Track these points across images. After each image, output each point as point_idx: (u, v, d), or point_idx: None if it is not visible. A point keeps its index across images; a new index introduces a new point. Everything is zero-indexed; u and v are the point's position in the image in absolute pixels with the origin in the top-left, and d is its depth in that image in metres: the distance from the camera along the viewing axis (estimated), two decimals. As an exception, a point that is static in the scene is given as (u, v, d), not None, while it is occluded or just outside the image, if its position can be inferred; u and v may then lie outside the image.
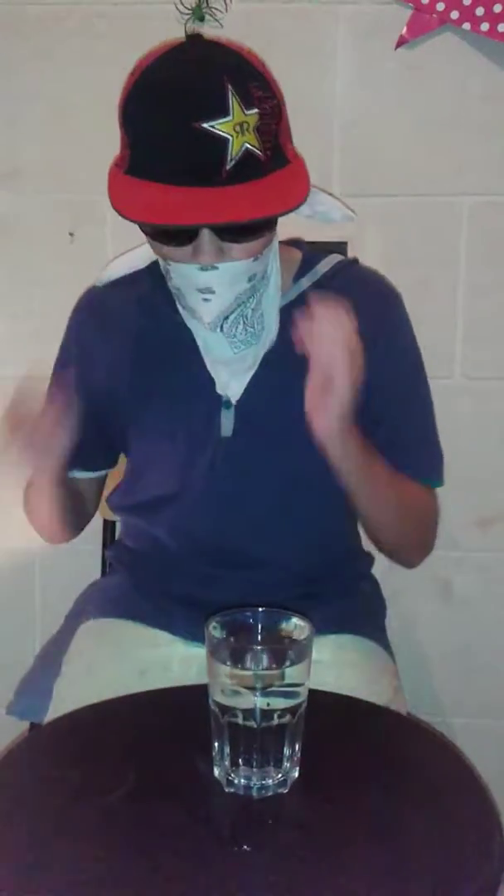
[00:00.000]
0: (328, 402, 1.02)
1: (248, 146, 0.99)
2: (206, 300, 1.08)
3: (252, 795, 0.87)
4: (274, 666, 0.87)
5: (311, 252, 1.24)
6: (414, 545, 1.28)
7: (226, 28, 1.46)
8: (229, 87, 0.98)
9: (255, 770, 0.86)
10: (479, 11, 1.42)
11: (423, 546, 1.29)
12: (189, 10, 1.45)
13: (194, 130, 0.97)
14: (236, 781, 0.87)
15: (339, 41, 1.49)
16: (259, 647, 0.89)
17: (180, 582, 1.26)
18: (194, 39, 1.04)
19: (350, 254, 1.42)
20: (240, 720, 0.85)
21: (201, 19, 1.45)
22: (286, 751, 0.87)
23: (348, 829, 0.84)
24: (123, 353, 1.22)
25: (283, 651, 0.88)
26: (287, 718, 0.85)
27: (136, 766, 0.92)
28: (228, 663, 0.86)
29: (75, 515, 1.30)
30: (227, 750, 0.87)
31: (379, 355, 1.11)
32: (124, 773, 0.90)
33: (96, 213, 1.54)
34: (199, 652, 1.20)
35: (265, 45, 1.47)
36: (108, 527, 1.54)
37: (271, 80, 1.05)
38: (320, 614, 1.21)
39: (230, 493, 1.20)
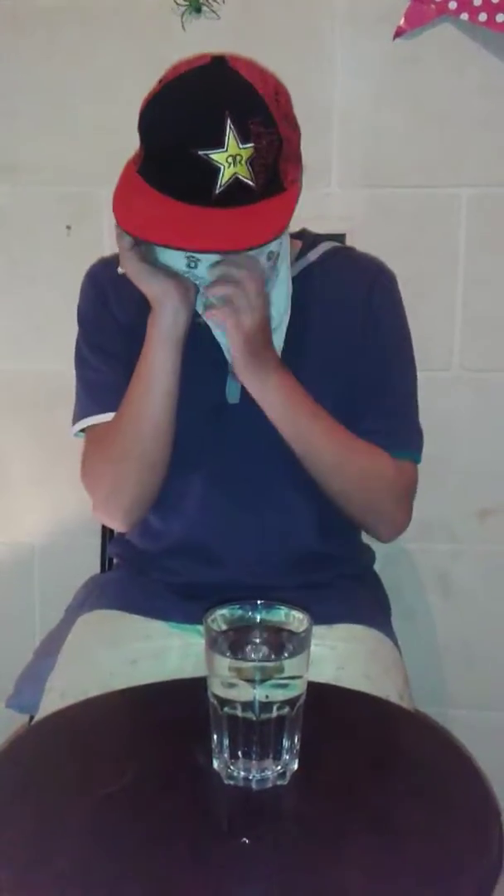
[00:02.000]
0: (233, 335, 1.12)
1: (239, 176, 1.05)
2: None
3: (251, 788, 0.87)
4: (272, 658, 0.87)
5: (314, 238, 1.31)
6: (369, 511, 1.27)
7: (223, 19, 1.45)
8: (228, 122, 1.04)
9: (254, 762, 0.86)
10: (477, 2, 1.42)
11: (382, 514, 1.28)
12: (186, 2, 1.44)
13: (191, 155, 1.04)
14: (235, 774, 0.87)
15: (337, 32, 1.48)
16: (257, 639, 0.90)
17: (183, 565, 1.27)
18: (217, 63, 1.08)
19: (349, 245, 1.43)
20: (239, 712, 0.85)
21: (198, 10, 1.45)
22: (285, 743, 0.87)
23: (347, 821, 0.84)
24: (134, 319, 1.23)
25: (282, 643, 0.88)
26: (286, 710, 0.85)
27: (135, 759, 0.92)
28: (227, 655, 0.86)
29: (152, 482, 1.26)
30: (226, 742, 0.87)
31: (361, 320, 1.25)
32: (123, 766, 0.91)
33: (94, 207, 1.54)
34: (196, 643, 1.21)
35: (262, 35, 1.48)
36: (107, 520, 1.53)
37: (279, 113, 1.08)
38: (327, 604, 1.23)
39: (238, 459, 1.23)
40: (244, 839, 0.82)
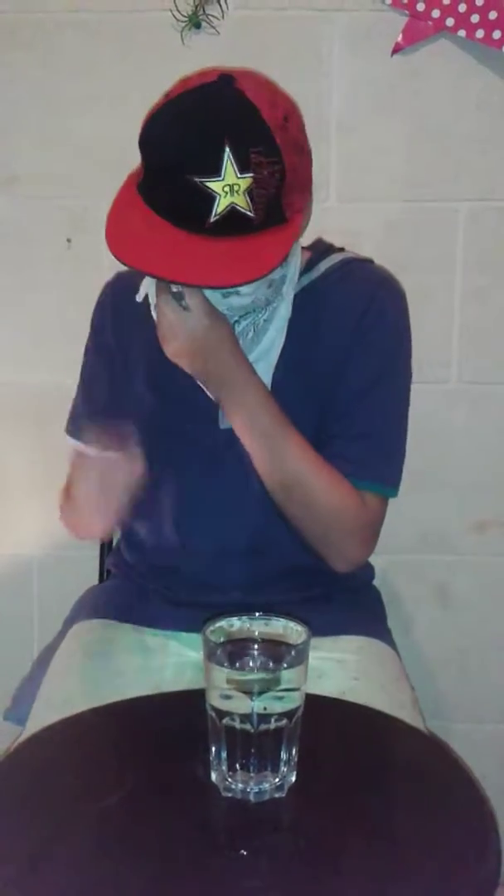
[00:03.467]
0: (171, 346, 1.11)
1: (236, 206, 1.02)
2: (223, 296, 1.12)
3: (249, 800, 0.86)
4: (270, 669, 0.87)
5: (325, 250, 1.26)
6: (318, 540, 1.18)
7: (222, 35, 1.46)
8: (227, 150, 1.00)
9: (252, 775, 0.86)
10: (475, 18, 1.43)
11: (332, 546, 1.19)
12: (185, 17, 1.45)
13: (186, 181, 1.01)
14: (233, 786, 0.87)
15: (335, 48, 1.49)
16: (255, 651, 0.90)
17: (179, 584, 1.27)
18: (223, 82, 1.04)
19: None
20: (237, 724, 0.85)
21: (197, 26, 1.46)
22: (283, 755, 0.87)
23: (345, 833, 0.85)
24: (135, 344, 1.25)
25: (280, 654, 0.88)
26: (284, 722, 0.85)
27: (133, 770, 0.92)
28: (225, 666, 0.86)
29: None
30: (224, 754, 0.87)
31: (351, 341, 1.18)
32: (122, 778, 0.91)
33: (93, 220, 1.55)
34: (188, 655, 1.21)
35: (261, 52, 1.49)
36: (106, 532, 1.53)
37: (286, 140, 1.04)
38: (329, 616, 1.23)
39: (231, 482, 1.20)
40: (242, 851, 0.82)
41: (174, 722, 1.02)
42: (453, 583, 1.66)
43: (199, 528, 1.26)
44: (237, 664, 0.87)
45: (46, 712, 1.12)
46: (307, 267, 1.23)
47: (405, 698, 1.16)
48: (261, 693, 0.84)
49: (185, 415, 1.22)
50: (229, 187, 1.01)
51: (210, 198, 1.01)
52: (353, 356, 1.18)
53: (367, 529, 1.20)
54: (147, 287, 1.18)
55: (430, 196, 1.53)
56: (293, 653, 0.88)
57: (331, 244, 1.29)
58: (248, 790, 0.86)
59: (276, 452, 1.14)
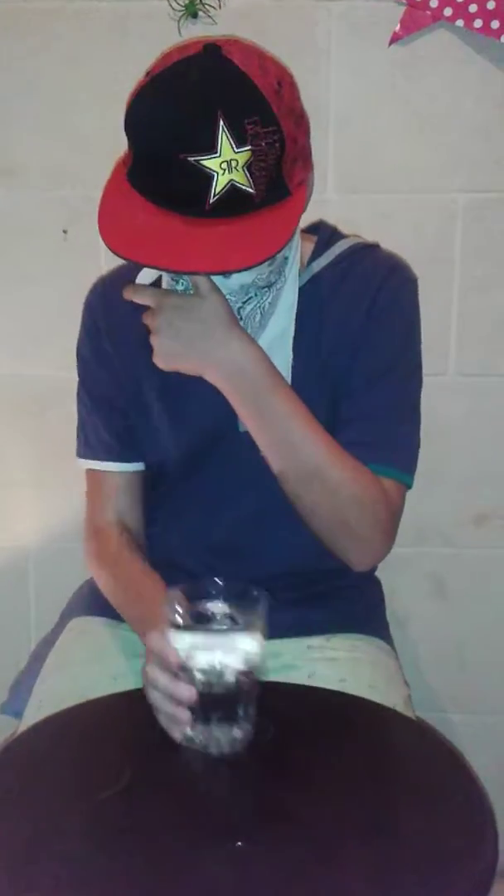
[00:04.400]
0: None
1: (235, 183, 0.95)
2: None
3: (210, 752, 0.90)
4: (230, 626, 0.93)
5: (330, 235, 1.23)
6: (341, 532, 1.11)
7: (219, 25, 1.46)
8: (221, 123, 0.93)
9: (212, 727, 0.90)
10: (473, 8, 1.42)
11: (357, 538, 1.12)
12: (182, 6, 1.45)
13: (179, 161, 0.94)
14: (195, 738, 0.90)
15: (333, 38, 1.49)
16: (213, 612, 0.94)
17: (177, 582, 1.25)
18: (209, 52, 0.97)
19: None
20: (199, 677, 0.90)
21: (194, 16, 1.45)
22: (240, 711, 0.90)
23: (342, 824, 0.85)
24: (134, 347, 1.18)
25: (237, 618, 0.93)
26: (241, 679, 0.90)
27: (130, 762, 0.92)
28: (185, 623, 0.91)
29: None
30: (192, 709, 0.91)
31: (363, 328, 1.14)
32: (119, 770, 0.90)
33: (90, 211, 1.53)
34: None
35: (258, 41, 1.47)
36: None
37: (282, 107, 0.97)
38: (324, 613, 1.23)
39: (240, 484, 1.18)
40: (239, 843, 0.82)
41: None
42: (451, 576, 1.66)
43: (201, 528, 1.24)
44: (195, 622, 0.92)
45: (39, 713, 1.11)
46: (315, 253, 1.19)
47: (396, 698, 1.14)
48: (217, 648, 0.89)
49: (201, 420, 1.18)
50: (227, 163, 0.93)
51: (207, 177, 0.94)
52: (365, 343, 1.14)
53: (390, 519, 1.14)
54: (143, 280, 1.14)
55: (429, 187, 1.52)
56: (249, 615, 0.92)
57: (335, 228, 1.25)
58: (207, 742, 0.91)
59: (291, 442, 1.08)
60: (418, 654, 1.67)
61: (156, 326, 1.04)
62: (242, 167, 0.94)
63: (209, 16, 1.45)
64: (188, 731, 0.91)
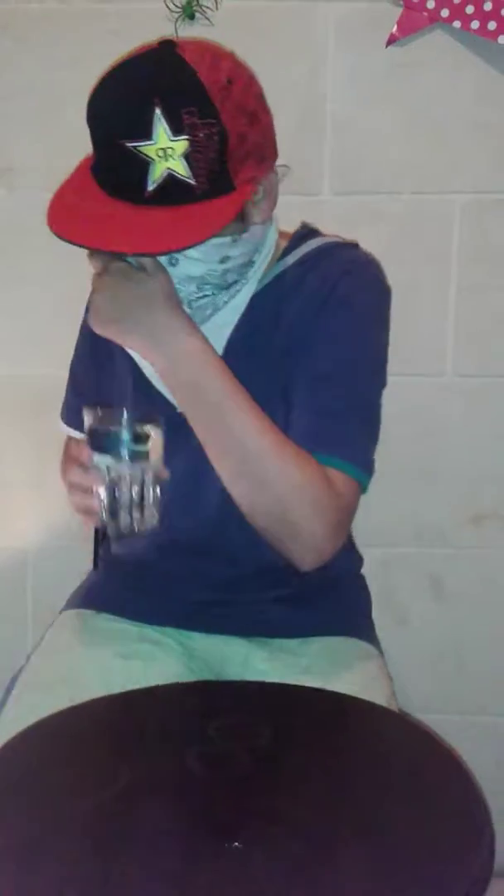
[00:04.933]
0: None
1: (173, 172, 0.97)
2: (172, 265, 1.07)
3: (123, 534, 1.03)
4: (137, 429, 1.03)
5: (305, 234, 1.22)
6: (282, 527, 1.06)
7: (216, 26, 1.46)
8: (157, 111, 0.96)
9: (121, 512, 1.03)
10: (470, 9, 1.43)
11: (298, 532, 1.06)
12: (179, 7, 1.45)
13: (120, 147, 0.97)
14: (109, 526, 1.04)
15: (330, 39, 1.49)
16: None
17: (152, 577, 1.27)
18: (162, 47, 1.00)
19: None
20: (111, 464, 1.02)
21: (191, 17, 1.45)
22: (144, 495, 1.02)
23: (340, 825, 0.85)
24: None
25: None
26: (146, 464, 1.02)
27: (128, 763, 0.92)
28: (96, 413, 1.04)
29: None
30: (103, 495, 1.02)
31: (313, 325, 1.12)
32: (116, 771, 0.91)
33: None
34: (161, 654, 1.21)
35: (255, 42, 1.48)
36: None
37: (228, 103, 0.99)
38: (302, 615, 1.23)
39: (199, 472, 1.12)
40: (236, 844, 0.82)
41: (168, 716, 1.02)
42: (449, 576, 1.66)
43: (172, 515, 1.25)
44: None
45: (28, 695, 1.13)
46: (283, 253, 1.18)
47: (378, 700, 1.12)
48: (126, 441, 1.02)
49: (152, 400, 1.17)
50: (163, 151, 0.96)
51: (144, 163, 0.96)
52: (315, 339, 1.12)
53: (335, 513, 1.07)
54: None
55: (426, 188, 1.52)
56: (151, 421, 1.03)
57: (313, 229, 1.24)
58: (121, 526, 1.03)
59: (228, 427, 1.05)
60: (416, 654, 1.67)
61: (97, 287, 1.05)
62: (180, 156, 0.97)
63: (206, 17, 1.46)
64: (103, 516, 1.03)
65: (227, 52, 1.06)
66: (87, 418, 1.05)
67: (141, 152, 0.97)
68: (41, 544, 1.69)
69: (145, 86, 0.97)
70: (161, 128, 0.96)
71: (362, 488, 1.11)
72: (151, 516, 1.04)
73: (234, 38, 1.46)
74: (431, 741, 1.01)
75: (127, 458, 1.02)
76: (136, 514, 1.03)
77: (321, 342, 1.12)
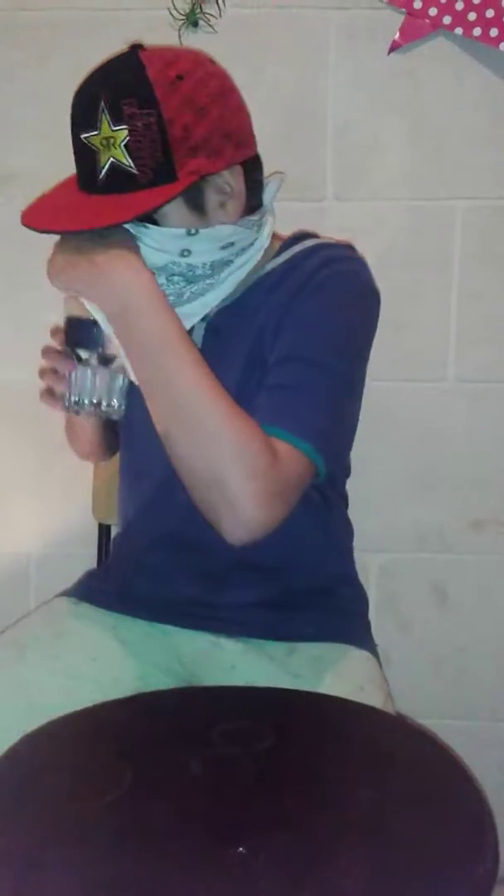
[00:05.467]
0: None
1: (115, 161, 1.02)
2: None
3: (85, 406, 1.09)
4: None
5: (298, 237, 1.21)
6: (211, 487, 1.00)
7: (220, 33, 1.46)
8: (102, 103, 1.02)
9: (87, 398, 1.08)
10: (472, 16, 1.43)
11: (225, 497, 1.00)
12: (183, 15, 1.45)
13: (78, 140, 1.06)
14: (72, 400, 1.09)
15: (332, 46, 1.49)
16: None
17: (135, 573, 1.28)
18: (130, 49, 1.06)
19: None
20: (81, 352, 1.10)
21: (195, 24, 1.46)
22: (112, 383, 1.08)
23: (343, 831, 0.85)
24: None
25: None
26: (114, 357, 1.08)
27: (131, 768, 0.92)
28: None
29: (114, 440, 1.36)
30: (73, 380, 1.09)
31: (284, 314, 1.11)
32: (119, 776, 0.91)
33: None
34: (134, 655, 1.22)
35: (258, 50, 1.49)
36: (104, 530, 1.54)
37: (173, 96, 1.01)
38: (290, 623, 1.22)
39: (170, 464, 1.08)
40: (240, 849, 0.82)
41: (171, 721, 1.02)
42: (451, 581, 1.66)
43: (136, 513, 1.27)
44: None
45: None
46: (276, 254, 1.19)
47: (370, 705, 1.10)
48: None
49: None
50: (106, 140, 1.02)
51: (93, 153, 1.03)
52: (285, 326, 1.11)
53: (271, 483, 1.00)
54: None
55: (428, 194, 1.53)
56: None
57: (309, 233, 1.23)
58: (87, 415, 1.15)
59: (163, 369, 1.02)
60: (418, 659, 1.67)
61: (58, 246, 1.09)
62: (120, 145, 1.01)
63: (210, 24, 1.46)
64: (69, 400, 1.09)
65: (197, 54, 1.09)
66: (66, 308, 1.11)
67: (89, 142, 1.03)
68: (43, 550, 1.69)
69: (98, 82, 1.04)
70: (105, 118, 1.02)
71: (315, 467, 1.06)
72: (116, 404, 1.09)
73: (237, 46, 1.47)
74: (435, 746, 1.01)
75: (99, 345, 1.08)
76: (102, 401, 1.09)
77: (289, 327, 1.11)
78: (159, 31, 1.46)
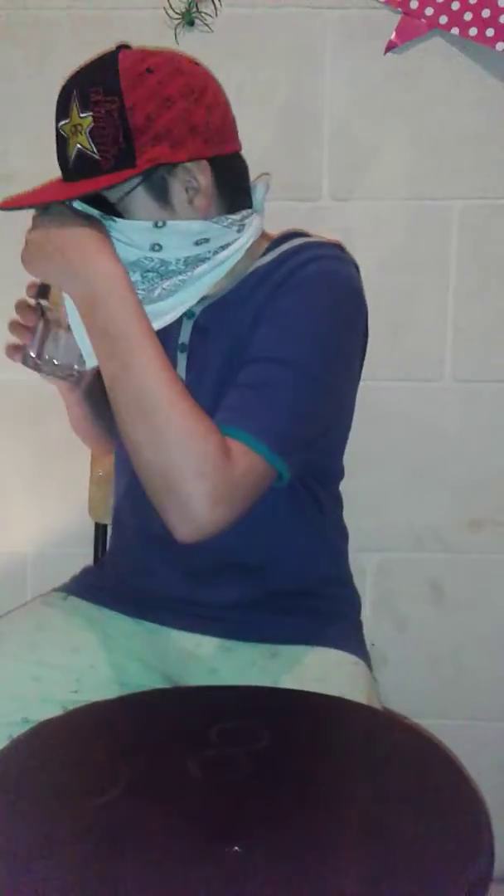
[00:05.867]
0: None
1: (80, 147, 1.05)
2: None
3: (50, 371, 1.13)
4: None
5: (288, 235, 1.19)
6: (161, 483, 1.00)
7: (216, 33, 1.47)
8: (74, 92, 1.06)
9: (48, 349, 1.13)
10: (468, 16, 1.43)
11: (174, 494, 0.99)
12: (179, 15, 1.45)
13: (56, 130, 1.09)
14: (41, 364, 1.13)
15: (329, 46, 1.49)
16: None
17: (124, 568, 1.30)
18: (114, 49, 1.09)
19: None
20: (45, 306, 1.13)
21: (191, 24, 1.46)
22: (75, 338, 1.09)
23: (339, 829, 0.85)
24: None
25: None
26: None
27: (127, 767, 0.92)
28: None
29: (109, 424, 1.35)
30: (37, 332, 1.13)
31: (262, 312, 1.10)
32: (116, 775, 0.91)
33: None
34: (112, 655, 1.23)
35: (254, 49, 1.49)
36: (100, 530, 1.54)
37: (140, 87, 1.03)
38: (279, 622, 1.21)
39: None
40: (236, 847, 0.82)
41: (168, 720, 1.02)
42: (448, 581, 1.66)
43: (126, 509, 1.28)
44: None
45: None
46: (263, 253, 1.17)
47: None
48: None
49: None
50: (74, 127, 1.05)
51: (64, 140, 1.07)
52: (260, 325, 1.09)
53: (220, 483, 0.99)
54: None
55: (424, 194, 1.53)
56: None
57: (299, 232, 1.20)
58: (48, 367, 1.14)
59: (124, 359, 1.02)
60: (415, 658, 1.67)
61: (31, 226, 1.11)
62: (86, 131, 1.04)
63: (206, 24, 1.46)
64: (31, 351, 1.13)
65: (176, 55, 1.10)
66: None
67: (63, 130, 1.07)
68: (40, 549, 1.69)
69: (76, 75, 1.08)
70: (74, 106, 1.05)
71: (273, 469, 1.04)
72: (77, 366, 1.12)
73: (233, 45, 1.48)
74: (431, 745, 1.01)
75: (64, 302, 1.09)
76: (62, 361, 1.12)
77: (264, 325, 1.09)
78: (156, 31, 1.46)
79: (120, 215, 1.08)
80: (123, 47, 1.09)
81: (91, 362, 1.09)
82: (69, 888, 0.78)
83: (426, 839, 0.83)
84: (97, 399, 1.29)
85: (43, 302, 1.14)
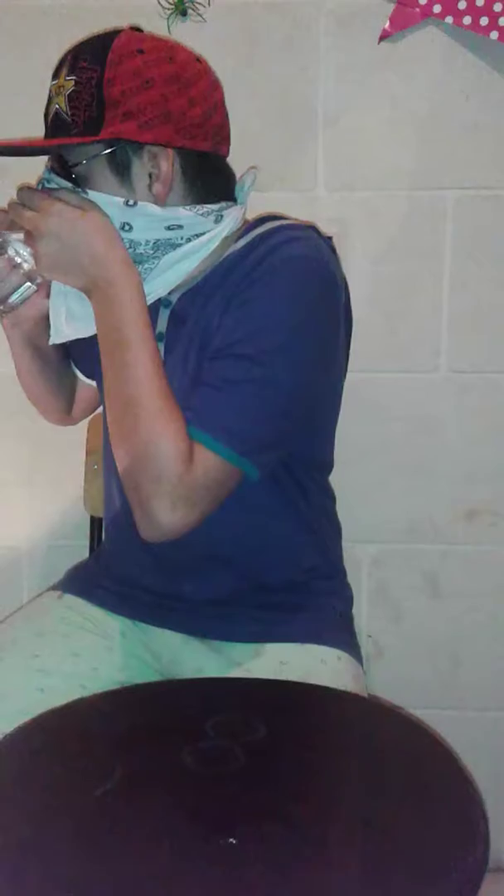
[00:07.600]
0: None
1: (58, 107, 1.08)
2: None
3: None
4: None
5: (262, 220, 1.16)
6: (128, 483, 1.03)
7: (209, 22, 1.46)
8: (69, 56, 1.09)
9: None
10: (462, 5, 1.43)
11: (138, 495, 1.02)
12: (171, 4, 1.45)
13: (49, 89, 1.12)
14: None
15: (322, 35, 1.49)
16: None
17: (111, 560, 1.30)
18: (128, 29, 1.11)
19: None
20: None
21: (184, 14, 1.45)
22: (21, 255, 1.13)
23: (334, 822, 0.85)
24: None
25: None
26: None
27: (123, 760, 0.92)
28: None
29: (61, 390, 1.38)
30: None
31: (230, 302, 1.08)
32: (111, 768, 0.91)
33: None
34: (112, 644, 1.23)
35: (248, 39, 1.48)
36: (95, 523, 1.54)
37: (125, 65, 1.05)
38: (265, 622, 1.19)
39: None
40: (231, 840, 0.82)
41: (163, 713, 1.02)
42: (443, 572, 1.66)
43: (113, 504, 1.27)
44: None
45: None
46: (236, 239, 1.14)
47: None
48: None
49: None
50: (58, 88, 1.08)
51: (50, 100, 1.10)
52: (227, 316, 1.08)
53: (180, 488, 1.00)
54: None
55: (418, 184, 1.53)
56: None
57: (274, 215, 1.17)
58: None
59: (124, 363, 1.04)
60: (410, 649, 1.67)
61: (40, 231, 1.08)
62: (66, 93, 1.07)
63: (198, 14, 1.46)
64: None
65: (176, 45, 1.10)
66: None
67: (51, 89, 1.10)
68: (36, 544, 1.69)
69: (79, 42, 1.10)
70: (64, 69, 1.08)
71: (239, 471, 1.04)
72: (11, 300, 1.15)
73: (226, 35, 1.47)
74: (427, 737, 1.01)
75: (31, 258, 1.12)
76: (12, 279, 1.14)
77: (231, 317, 1.07)
78: (148, 20, 1.45)
79: (75, 182, 1.09)
80: (135, 29, 1.11)
81: (56, 339, 1.15)
82: (63, 882, 0.78)
83: (421, 829, 0.83)
84: (44, 353, 1.30)
85: (8, 235, 1.16)
